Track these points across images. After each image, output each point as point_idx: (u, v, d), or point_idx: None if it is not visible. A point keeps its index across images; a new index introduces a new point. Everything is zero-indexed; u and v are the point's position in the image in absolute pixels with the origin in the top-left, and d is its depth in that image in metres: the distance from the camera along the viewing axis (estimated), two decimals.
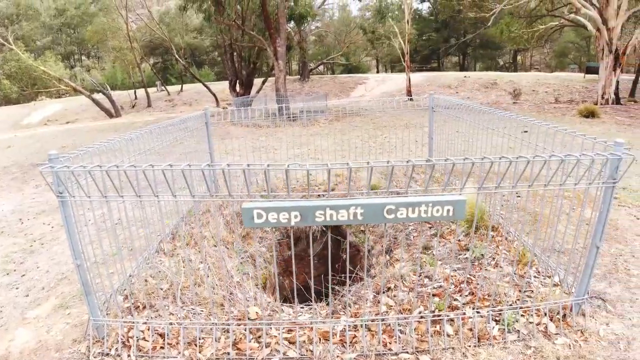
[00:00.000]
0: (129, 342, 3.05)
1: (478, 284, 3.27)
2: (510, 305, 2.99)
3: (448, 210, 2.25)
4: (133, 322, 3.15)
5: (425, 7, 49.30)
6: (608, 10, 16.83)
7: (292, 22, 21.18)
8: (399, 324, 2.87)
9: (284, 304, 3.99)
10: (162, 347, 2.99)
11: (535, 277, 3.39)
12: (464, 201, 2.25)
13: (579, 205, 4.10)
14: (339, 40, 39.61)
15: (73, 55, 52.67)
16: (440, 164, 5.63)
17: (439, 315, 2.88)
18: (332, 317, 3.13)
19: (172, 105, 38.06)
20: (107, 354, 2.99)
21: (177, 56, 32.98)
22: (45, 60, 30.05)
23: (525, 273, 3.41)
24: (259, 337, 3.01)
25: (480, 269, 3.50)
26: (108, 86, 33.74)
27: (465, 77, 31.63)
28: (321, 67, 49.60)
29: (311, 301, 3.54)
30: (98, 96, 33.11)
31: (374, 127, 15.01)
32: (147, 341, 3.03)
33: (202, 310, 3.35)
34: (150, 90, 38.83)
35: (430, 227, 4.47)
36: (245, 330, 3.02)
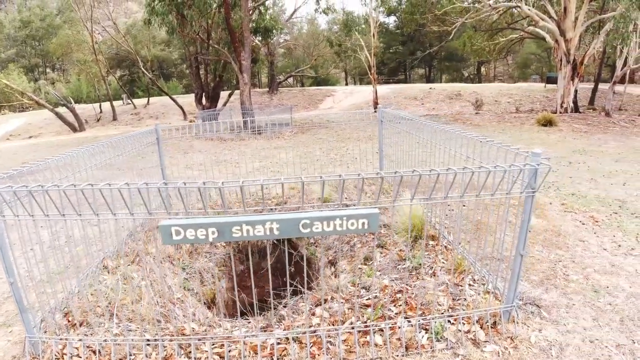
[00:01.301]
0: (63, 358, 3.05)
1: (413, 293, 3.33)
2: (442, 314, 3.06)
3: (363, 223, 2.30)
4: (66, 339, 3.13)
5: (391, 21, 50.40)
6: (566, 22, 17.56)
7: (259, 36, 21.25)
8: (329, 336, 2.89)
9: (229, 318, 3.96)
10: None
11: (470, 285, 3.47)
12: (377, 214, 2.31)
13: (519, 214, 4.23)
14: (308, 53, 39.97)
15: (38, 68, 51.28)
16: (388, 176, 5.73)
17: (367, 326, 2.91)
18: (265, 331, 3.13)
19: (138, 118, 37.44)
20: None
21: (143, 69, 32.53)
22: (8, 74, 29.14)
23: (461, 281, 3.49)
24: (190, 352, 2.98)
25: (417, 278, 3.57)
26: (72, 100, 32.96)
27: (430, 88, 32.37)
28: (291, 80, 49.87)
29: (262, 315, 3.55)
30: (62, 110, 32.29)
31: (338, 139, 15.16)
32: (80, 358, 3.04)
33: (137, 327, 3.30)
34: (116, 103, 38.12)
35: (373, 239, 4.54)
36: (176, 347, 2.99)
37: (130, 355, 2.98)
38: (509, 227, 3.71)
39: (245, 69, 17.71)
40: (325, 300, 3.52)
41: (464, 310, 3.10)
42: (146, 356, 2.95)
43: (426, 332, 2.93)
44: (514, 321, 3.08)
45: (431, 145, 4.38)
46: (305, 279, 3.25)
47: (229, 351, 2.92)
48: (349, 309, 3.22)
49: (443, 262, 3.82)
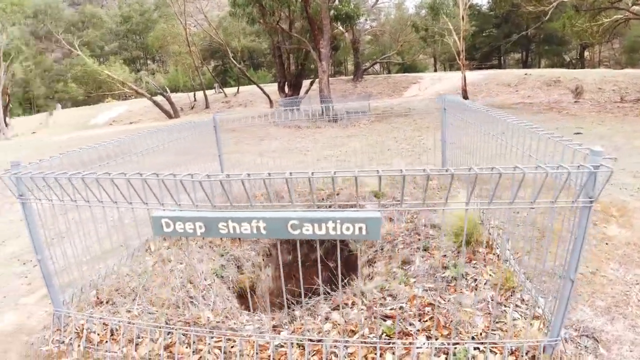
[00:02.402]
0: (82, 333, 3.15)
1: (445, 308, 2.90)
2: (472, 338, 2.61)
3: (360, 229, 1.96)
4: (86, 316, 3.23)
5: (484, 2, 47.17)
6: None
7: (340, 23, 20.94)
8: (334, 347, 2.59)
9: (249, 312, 3.82)
10: (107, 342, 3.05)
11: (517, 306, 2.94)
12: (378, 219, 1.95)
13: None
14: (394, 39, 38.78)
15: (139, 60, 55.85)
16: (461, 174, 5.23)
17: (374, 343, 2.56)
18: (275, 331, 2.92)
19: (228, 106, 39.23)
20: (63, 342, 3.16)
21: (232, 60, 33.83)
22: (110, 65, 31.96)
23: (506, 300, 2.98)
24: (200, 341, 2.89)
25: (455, 290, 3.12)
26: (168, 89, 35.37)
27: (526, 74, 29.79)
28: (377, 67, 48.93)
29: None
30: (159, 98, 34.78)
31: (414, 128, 14.45)
32: (96, 334, 3.14)
33: (156, 311, 3.28)
34: (208, 92, 40.26)
35: (419, 239, 4.11)
36: (182, 335, 2.91)
37: (139, 337, 2.97)
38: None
39: (324, 56, 17.55)
40: (347, 305, 3.21)
41: (499, 336, 2.61)
42: (152, 340, 2.92)
43: (445, 357, 2.51)
44: (559, 358, 2.51)
45: (488, 137, 3.83)
46: (340, 277, 2.96)
47: (231, 347, 2.76)
48: (366, 318, 2.89)
49: (490, 275, 3.31)
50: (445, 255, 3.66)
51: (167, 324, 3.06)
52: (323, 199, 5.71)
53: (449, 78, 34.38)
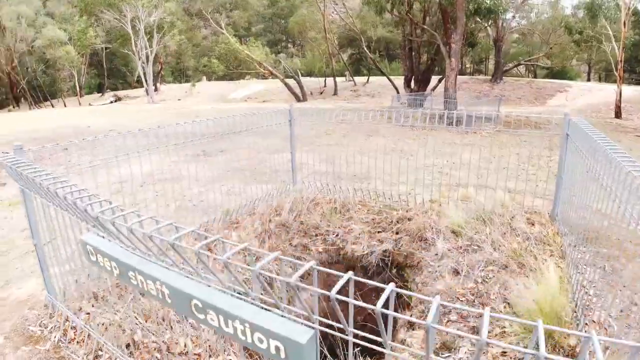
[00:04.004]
0: (63, 325, 2.98)
1: None
2: None
3: (277, 348, 1.18)
4: (71, 309, 3.04)
5: None
6: None
7: (480, 17, 18.99)
8: None
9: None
10: (77, 342, 2.81)
11: None
12: (302, 346, 1.15)
13: None
14: (544, 40, 34.56)
15: (280, 43, 58.37)
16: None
17: None
18: None
19: (356, 95, 39.08)
20: (46, 327, 3.02)
21: (365, 49, 33.34)
22: (250, 45, 33.73)
23: None
24: None
25: None
26: (300, 73, 36.27)
27: None
28: (522, 69, 44.43)
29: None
30: (291, 81, 35.91)
31: (547, 145, 12.38)
32: (74, 332, 2.93)
33: (136, 316, 2.88)
34: (339, 79, 40.50)
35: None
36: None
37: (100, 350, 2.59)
38: None
39: (455, 52, 16.01)
40: None
41: None
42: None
43: None
44: None
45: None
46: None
47: None
48: None
49: None
50: (505, 353, 2.62)
51: (127, 347, 2.61)
52: (391, 222, 4.83)
53: (601, 90, 29.61)
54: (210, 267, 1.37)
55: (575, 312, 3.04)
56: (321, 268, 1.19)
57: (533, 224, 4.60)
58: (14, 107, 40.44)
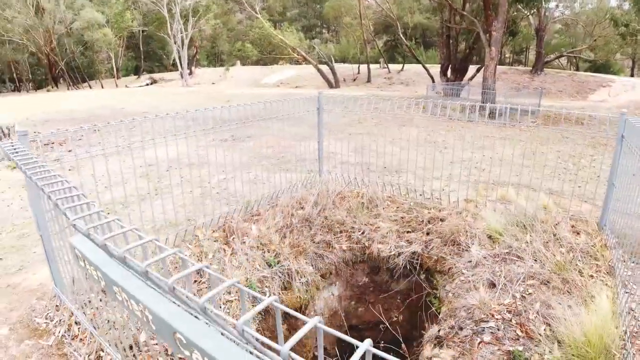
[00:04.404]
0: (68, 320, 2.87)
1: None
2: None
3: None
4: (77, 304, 2.88)
5: None
6: None
7: (522, 5, 18.01)
8: None
9: None
10: (81, 340, 2.68)
11: None
12: None
13: None
14: (588, 32, 32.71)
15: (315, 28, 57.62)
16: None
17: None
18: None
19: (389, 83, 38.31)
20: (52, 319, 2.90)
21: (401, 36, 32.47)
22: (284, 30, 33.39)
23: None
24: None
25: None
26: (334, 59, 35.76)
27: None
28: (564, 61, 42.40)
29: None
30: (324, 68, 35.48)
31: (590, 143, 11.66)
32: (78, 328, 2.82)
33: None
34: (373, 66, 39.73)
35: (517, 338, 2.76)
36: None
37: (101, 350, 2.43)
38: None
39: (495, 41, 15.25)
40: None
41: None
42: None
43: None
44: None
45: None
46: None
47: None
48: None
49: None
50: None
51: (130, 348, 2.44)
52: (421, 222, 4.51)
53: None
54: (184, 292, 1.12)
55: (623, 339, 2.69)
56: (282, 306, 0.92)
57: (578, 233, 4.20)
58: (52, 87, 41.54)
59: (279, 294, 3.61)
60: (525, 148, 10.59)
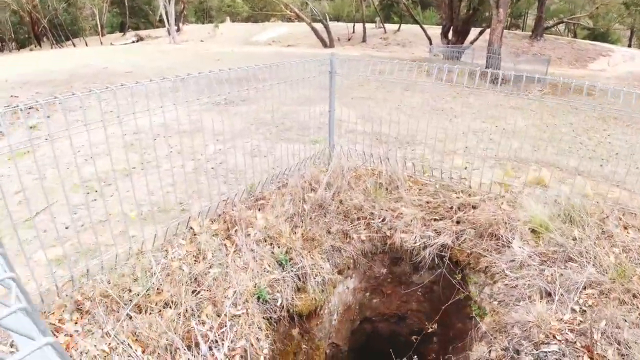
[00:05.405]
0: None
1: None
2: None
3: None
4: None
5: None
6: None
7: None
8: None
9: None
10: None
11: None
12: None
13: None
14: None
15: None
16: None
17: None
18: None
19: (385, 43, 37.02)
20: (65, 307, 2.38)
21: None
22: None
23: None
24: None
25: None
26: (328, 17, 34.24)
27: None
28: (561, 27, 41.26)
29: None
30: (318, 26, 34.04)
31: (599, 116, 11.12)
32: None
33: (134, 349, 2.12)
34: (368, 26, 38.28)
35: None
36: None
37: None
38: None
39: (503, 3, 14.37)
40: None
41: None
42: None
43: None
44: None
45: None
46: None
47: None
48: None
49: None
50: None
51: None
52: (450, 209, 3.94)
53: None
54: None
55: None
56: None
57: (626, 228, 3.67)
58: (35, 46, 39.49)
59: (292, 298, 3.05)
60: (537, 119, 10.02)
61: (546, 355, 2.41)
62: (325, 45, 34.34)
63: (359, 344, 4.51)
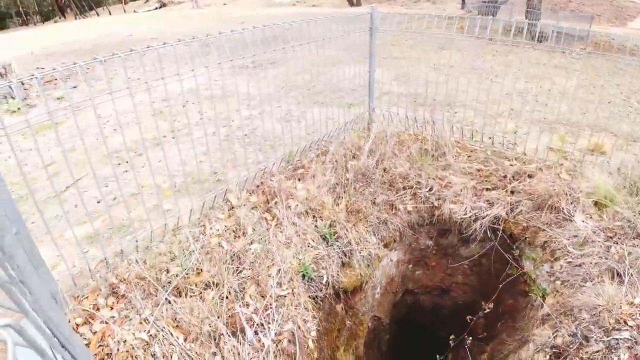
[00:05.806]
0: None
1: None
2: None
3: None
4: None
5: None
6: None
7: None
8: None
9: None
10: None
11: None
12: None
13: None
14: None
15: None
16: None
17: None
18: None
19: (414, 0, 35.47)
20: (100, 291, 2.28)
21: None
22: None
23: None
24: None
25: None
26: None
27: None
28: None
29: None
30: None
31: None
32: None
33: (174, 335, 1.99)
34: None
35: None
36: None
37: None
38: None
39: None
40: None
41: None
42: None
43: None
44: None
45: None
46: None
47: None
48: None
49: None
50: None
51: None
52: (504, 177, 3.64)
53: None
54: None
55: None
56: None
57: None
58: (60, 18, 39.50)
59: (337, 274, 2.88)
60: (583, 79, 9.35)
61: (617, 343, 2.18)
62: (352, 4, 33.09)
63: (400, 316, 4.36)
